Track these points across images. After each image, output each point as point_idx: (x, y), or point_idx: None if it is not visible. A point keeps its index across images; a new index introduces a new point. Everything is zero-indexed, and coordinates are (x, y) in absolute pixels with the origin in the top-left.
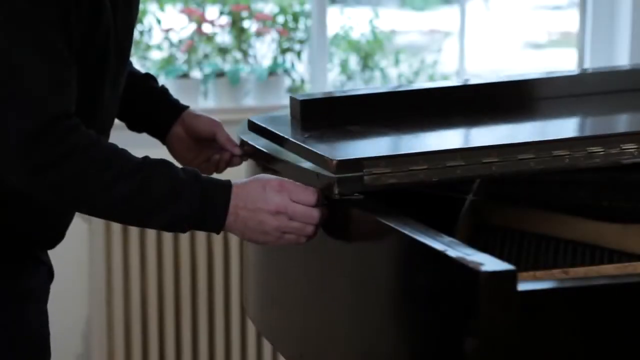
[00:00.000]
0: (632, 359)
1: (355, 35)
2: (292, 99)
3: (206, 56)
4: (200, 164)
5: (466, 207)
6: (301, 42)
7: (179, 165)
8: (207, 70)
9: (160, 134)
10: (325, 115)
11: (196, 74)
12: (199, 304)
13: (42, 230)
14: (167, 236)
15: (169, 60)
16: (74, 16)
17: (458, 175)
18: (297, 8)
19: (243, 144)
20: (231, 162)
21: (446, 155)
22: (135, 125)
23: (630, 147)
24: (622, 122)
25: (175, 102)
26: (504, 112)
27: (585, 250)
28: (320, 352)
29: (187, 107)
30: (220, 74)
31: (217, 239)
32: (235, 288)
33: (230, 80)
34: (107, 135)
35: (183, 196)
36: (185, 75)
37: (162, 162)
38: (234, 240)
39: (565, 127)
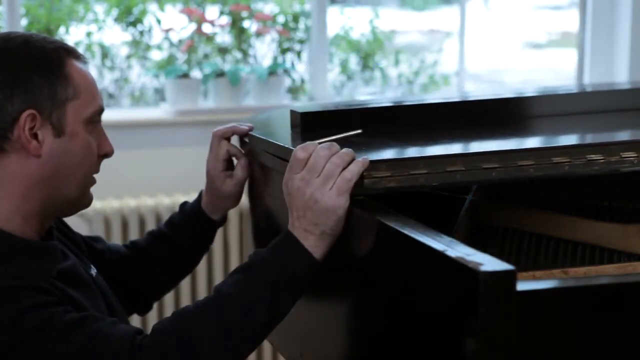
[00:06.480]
0: (632, 358)
1: (355, 35)
2: (292, 112)
3: (206, 56)
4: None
5: (466, 207)
6: (301, 42)
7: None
8: (207, 70)
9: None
10: (325, 127)
11: (196, 74)
12: None
13: None
14: None
15: (169, 60)
16: None
17: (458, 180)
18: (297, 8)
19: (243, 142)
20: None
21: (447, 160)
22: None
23: (630, 155)
24: (622, 134)
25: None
26: (504, 126)
27: (585, 250)
28: (320, 352)
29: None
30: (220, 74)
31: (217, 238)
32: None
33: (230, 80)
34: None
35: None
36: (185, 75)
37: (235, 274)
38: (233, 239)
39: (565, 138)
